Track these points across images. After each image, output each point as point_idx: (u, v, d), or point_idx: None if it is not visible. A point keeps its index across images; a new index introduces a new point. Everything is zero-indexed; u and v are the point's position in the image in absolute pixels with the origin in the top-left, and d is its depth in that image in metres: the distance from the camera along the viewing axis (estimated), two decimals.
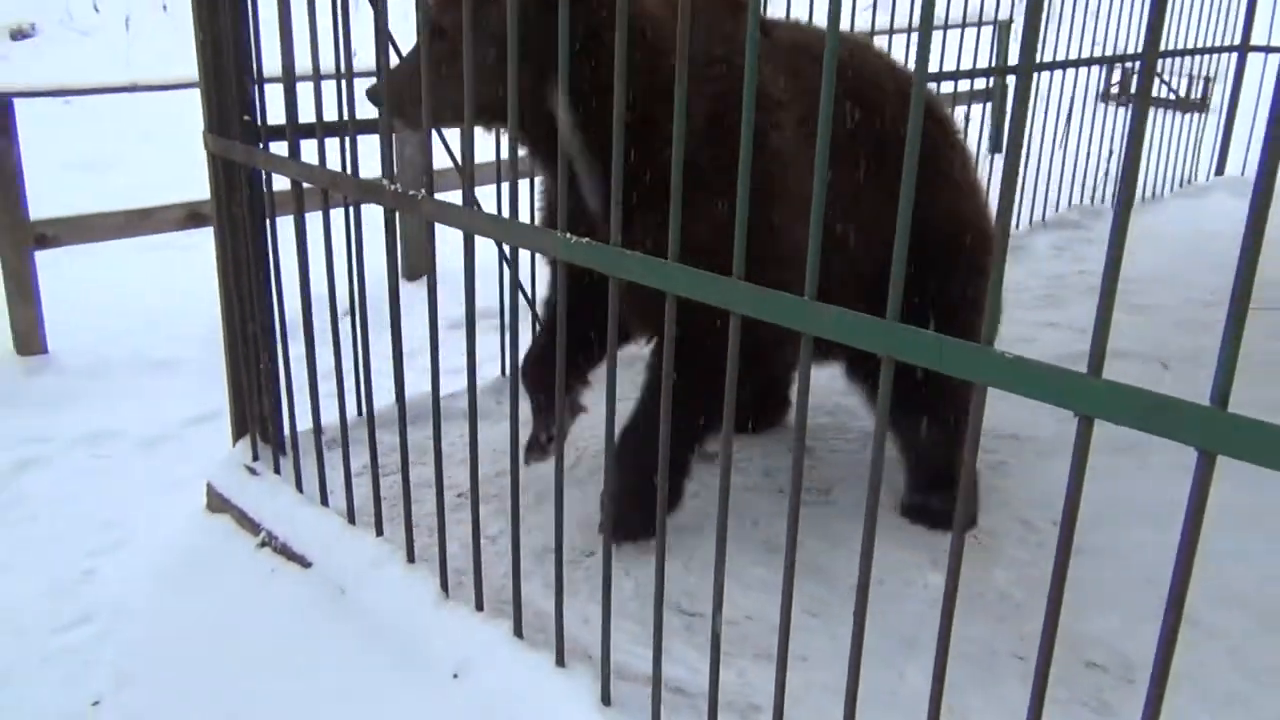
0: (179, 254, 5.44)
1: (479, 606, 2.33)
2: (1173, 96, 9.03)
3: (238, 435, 3.16)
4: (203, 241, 2.93)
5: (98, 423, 4.19)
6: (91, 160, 8.13)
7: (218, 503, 3.12)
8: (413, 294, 2.90)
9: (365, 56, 2.70)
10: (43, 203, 4.87)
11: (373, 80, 2.32)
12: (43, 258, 4.71)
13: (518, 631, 2.24)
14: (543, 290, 3.02)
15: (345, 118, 2.36)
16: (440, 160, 3.48)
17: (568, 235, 1.80)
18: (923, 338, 1.31)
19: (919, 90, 1.28)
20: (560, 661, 2.14)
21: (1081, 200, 6.29)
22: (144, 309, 5.12)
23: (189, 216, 5.05)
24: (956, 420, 2.58)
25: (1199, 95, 9.16)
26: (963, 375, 1.27)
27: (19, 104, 4.61)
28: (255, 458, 3.07)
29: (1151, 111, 6.77)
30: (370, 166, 2.28)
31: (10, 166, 4.52)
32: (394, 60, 2.46)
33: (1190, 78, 9.23)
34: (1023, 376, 1.23)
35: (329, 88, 2.46)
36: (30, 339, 4.65)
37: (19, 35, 13.56)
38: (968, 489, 1.38)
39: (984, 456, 3.23)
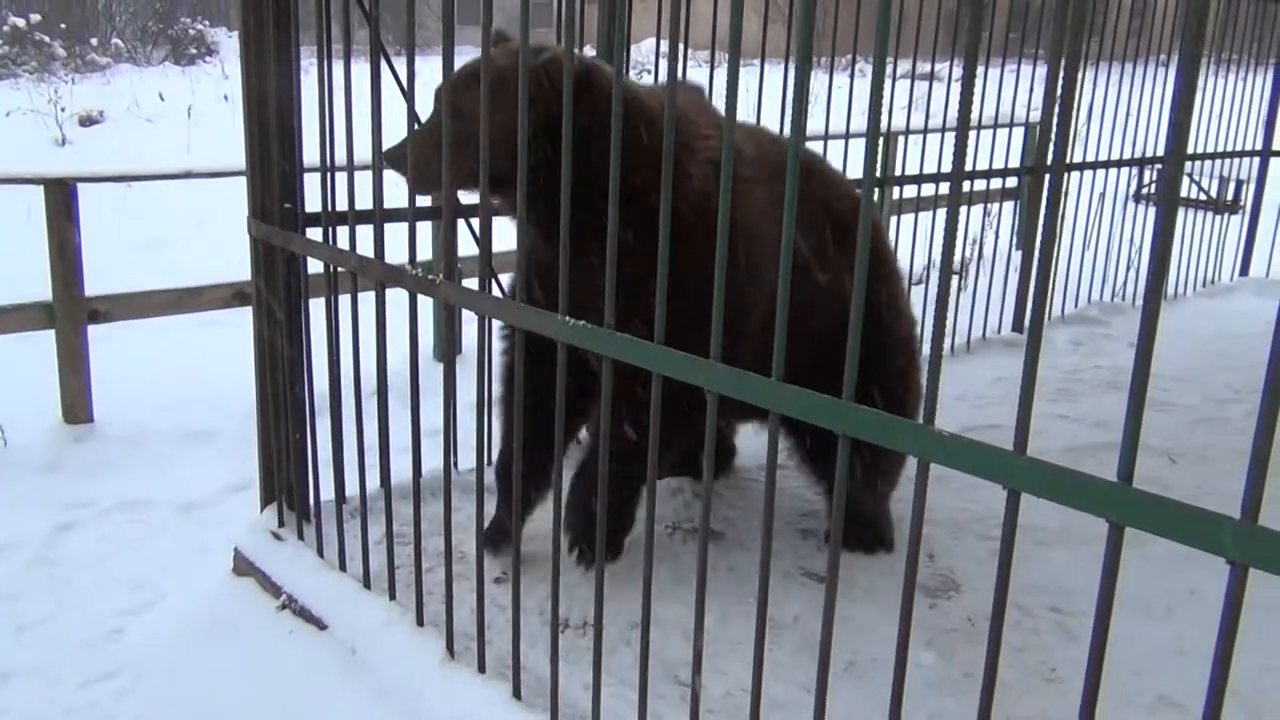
0: (226, 331, 5.66)
1: (481, 669, 2.44)
2: (1204, 197, 9.15)
3: (265, 503, 3.30)
4: (248, 320, 3.13)
5: (136, 489, 4.35)
6: (151, 240, 8.48)
7: (244, 566, 3.26)
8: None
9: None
10: (102, 279, 5.11)
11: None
12: (95, 331, 4.94)
13: (516, 694, 2.34)
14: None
15: (375, 206, 2.55)
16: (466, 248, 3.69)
17: (567, 319, 1.95)
18: (873, 417, 1.43)
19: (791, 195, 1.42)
20: None
21: (1102, 296, 6.39)
22: (187, 382, 5.30)
23: (235, 296, 5.27)
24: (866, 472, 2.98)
25: (1230, 197, 9.28)
26: (905, 451, 1.39)
27: (82, 188, 4.88)
28: (281, 524, 3.20)
29: (1182, 211, 6.89)
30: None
31: (71, 247, 4.77)
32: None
33: (1222, 179, 9.35)
34: (956, 453, 1.34)
35: (365, 177, 2.65)
36: (78, 408, 4.86)
37: (88, 122, 14.25)
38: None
39: (984, 544, 3.30)
